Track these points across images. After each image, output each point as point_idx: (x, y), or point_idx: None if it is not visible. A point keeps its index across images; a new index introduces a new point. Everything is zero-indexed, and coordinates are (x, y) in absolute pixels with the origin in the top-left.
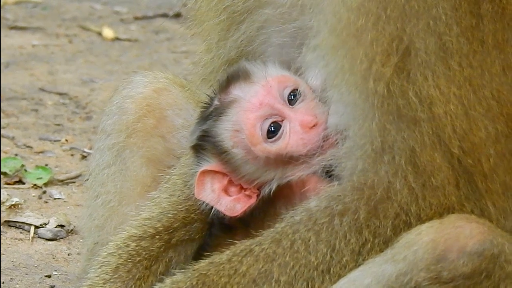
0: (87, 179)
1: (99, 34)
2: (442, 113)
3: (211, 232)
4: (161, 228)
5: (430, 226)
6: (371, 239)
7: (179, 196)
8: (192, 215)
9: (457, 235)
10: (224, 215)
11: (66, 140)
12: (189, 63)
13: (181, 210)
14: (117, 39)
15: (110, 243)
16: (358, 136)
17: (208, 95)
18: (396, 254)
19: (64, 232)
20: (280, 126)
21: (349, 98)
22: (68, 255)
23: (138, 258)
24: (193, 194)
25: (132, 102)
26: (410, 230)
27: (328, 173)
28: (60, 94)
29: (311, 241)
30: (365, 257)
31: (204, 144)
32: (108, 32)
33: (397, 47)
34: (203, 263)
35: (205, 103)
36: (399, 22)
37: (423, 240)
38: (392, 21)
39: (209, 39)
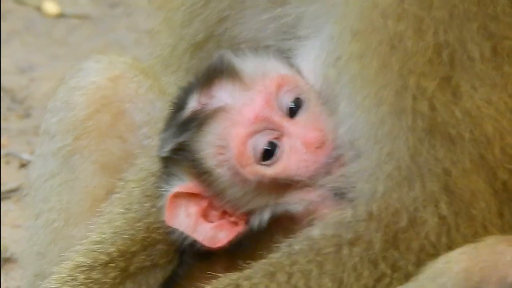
0: (27, 193)
1: (39, 9)
2: (491, 130)
3: (183, 260)
4: (115, 254)
5: (462, 252)
6: (389, 273)
7: (137, 210)
8: (154, 235)
9: (496, 262)
10: (202, 246)
11: (0, 144)
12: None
13: (140, 229)
14: (62, 15)
15: (52, 276)
16: (380, 156)
17: (180, 88)
18: None
19: None
20: (277, 145)
21: (372, 114)
22: None
23: None
24: (155, 209)
25: (82, 94)
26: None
27: (339, 196)
28: None
29: (312, 274)
30: None
31: (178, 159)
32: (50, 7)
33: (444, 55)
34: None
35: (176, 99)
36: (447, 24)
37: (453, 270)
38: (438, 24)
39: (170, 15)
